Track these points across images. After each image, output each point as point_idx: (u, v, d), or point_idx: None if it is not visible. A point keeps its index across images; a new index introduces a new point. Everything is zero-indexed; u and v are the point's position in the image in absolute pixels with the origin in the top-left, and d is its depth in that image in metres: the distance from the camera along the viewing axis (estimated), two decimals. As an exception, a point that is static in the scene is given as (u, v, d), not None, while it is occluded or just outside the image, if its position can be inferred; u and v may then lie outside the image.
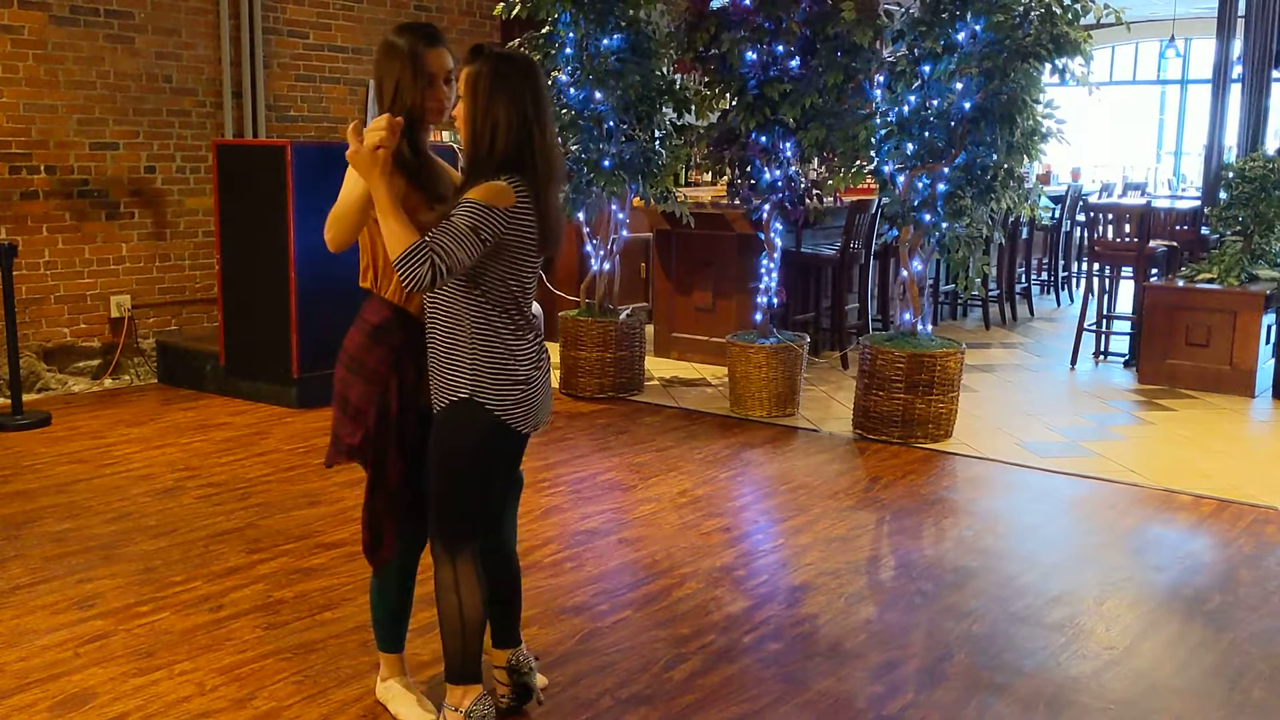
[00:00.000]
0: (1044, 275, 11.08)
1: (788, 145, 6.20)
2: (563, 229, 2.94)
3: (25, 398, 6.37)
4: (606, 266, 6.85)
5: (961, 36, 5.48)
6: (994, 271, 9.24)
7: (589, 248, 6.94)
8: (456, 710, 2.92)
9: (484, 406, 2.78)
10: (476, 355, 2.77)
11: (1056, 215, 10.26)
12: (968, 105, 5.50)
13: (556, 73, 6.44)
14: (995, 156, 5.58)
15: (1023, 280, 10.15)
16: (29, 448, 5.67)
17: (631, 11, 6.39)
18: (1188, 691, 3.32)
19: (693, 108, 6.63)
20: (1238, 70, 7.99)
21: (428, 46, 2.82)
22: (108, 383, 7.11)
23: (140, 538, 4.42)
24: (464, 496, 2.85)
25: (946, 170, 5.64)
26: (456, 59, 2.88)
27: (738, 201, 6.63)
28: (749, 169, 6.32)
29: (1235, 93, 7.95)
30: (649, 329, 7.90)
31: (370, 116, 2.94)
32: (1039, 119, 5.58)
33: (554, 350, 6.13)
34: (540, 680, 3.19)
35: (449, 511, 2.85)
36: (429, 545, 2.95)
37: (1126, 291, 8.41)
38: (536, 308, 3.50)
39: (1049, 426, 6.26)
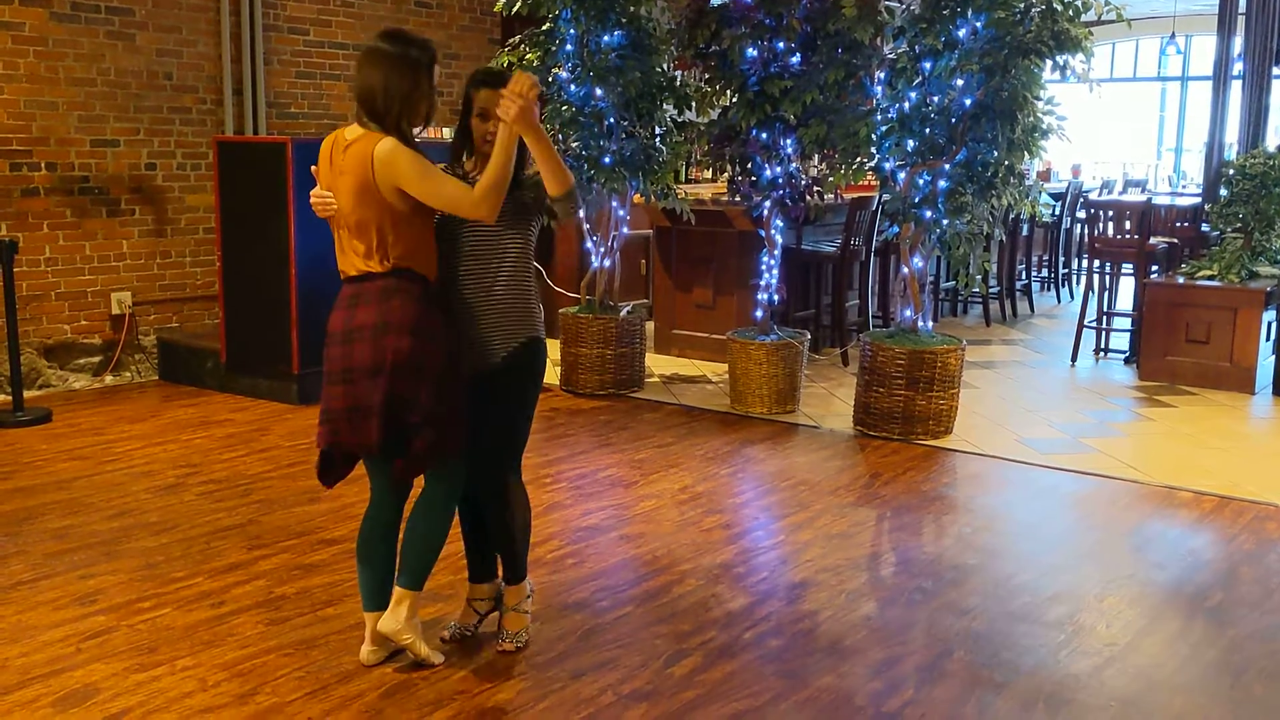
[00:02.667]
0: (1044, 272, 11.07)
1: (788, 142, 6.20)
2: None
3: (26, 394, 6.38)
4: (607, 263, 6.86)
5: (962, 33, 5.48)
6: (994, 268, 9.23)
7: (589, 244, 6.94)
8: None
9: (542, 340, 3.37)
10: (535, 296, 3.36)
11: (1057, 212, 10.26)
12: (968, 102, 5.50)
13: (557, 69, 6.44)
14: (996, 153, 5.57)
15: (1023, 277, 10.15)
16: (30, 444, 5.68)
17: (632, 8, 6.38)
18: (1189, 688, 3.32)
19: (693, 104, 6.64)
20: (1238, 67, 7.99)
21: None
22: (108, 379, 7.12)
23: (141, 534, 4.42)
24: (529, 423, 3.43)
25: (947, 167, 5.64)
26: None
27: (738, 198, 6.63)
28: (749, 166, 6.31)
29: (1236, 89, 7.95)
30: (649, 325, 7.90)
31: None
32: (1040, 115, 5.57)
33: (554, 347, 6.14)
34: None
35: (522, 440, 3.42)
36: (484, 476, 3.34)
37: (1127, 288, 8.42)
38: None
39: (1049, 423, 6.26)
